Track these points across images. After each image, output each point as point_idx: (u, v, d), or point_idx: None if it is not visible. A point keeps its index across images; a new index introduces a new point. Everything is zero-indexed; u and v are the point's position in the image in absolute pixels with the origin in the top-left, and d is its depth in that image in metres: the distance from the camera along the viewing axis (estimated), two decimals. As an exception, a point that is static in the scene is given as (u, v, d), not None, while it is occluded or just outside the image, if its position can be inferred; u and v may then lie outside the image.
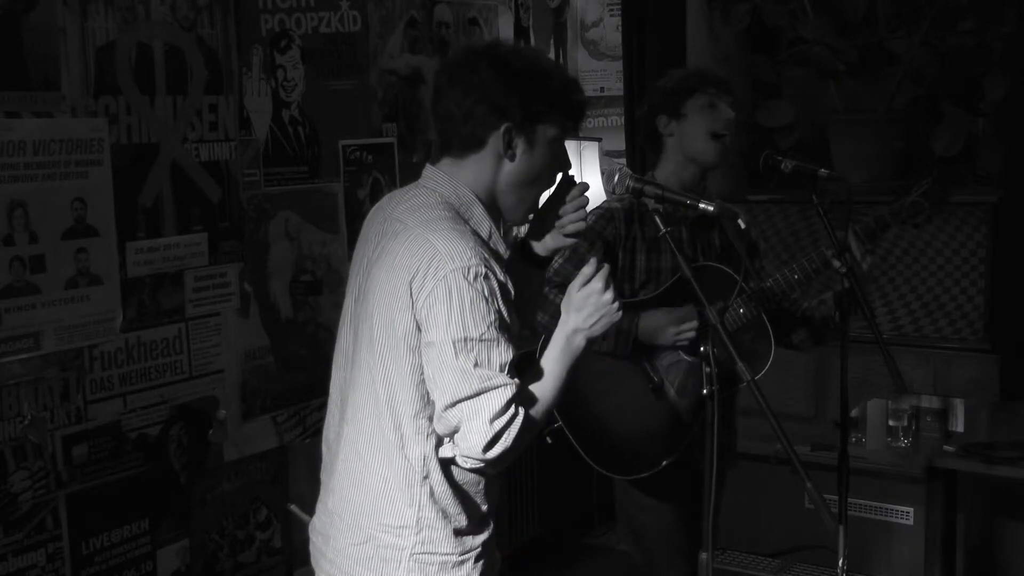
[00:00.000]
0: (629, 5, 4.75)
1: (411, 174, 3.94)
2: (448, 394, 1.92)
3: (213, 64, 3.30)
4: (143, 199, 3.13)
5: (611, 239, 2.86)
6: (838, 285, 2.79)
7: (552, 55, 4.76)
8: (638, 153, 4.77)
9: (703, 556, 2.24)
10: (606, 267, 2.05)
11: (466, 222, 2.04)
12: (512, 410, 1.92)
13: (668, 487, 2.97)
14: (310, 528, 2.22)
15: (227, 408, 3.39)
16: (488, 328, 1.92)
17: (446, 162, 2.10)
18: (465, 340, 1.90)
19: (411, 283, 1.95)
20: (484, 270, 1.93)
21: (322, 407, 3.69)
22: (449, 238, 1.95)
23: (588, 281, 2.03)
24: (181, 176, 3.23)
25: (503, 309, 1.96)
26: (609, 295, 2.02)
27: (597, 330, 2.03)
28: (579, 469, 2.98)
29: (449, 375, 1.91)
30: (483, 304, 1.92)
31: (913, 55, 4.64)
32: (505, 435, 1.91)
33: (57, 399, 2.94)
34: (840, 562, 2.72)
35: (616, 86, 4.84)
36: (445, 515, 2.05)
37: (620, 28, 4.78)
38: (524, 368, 2.03)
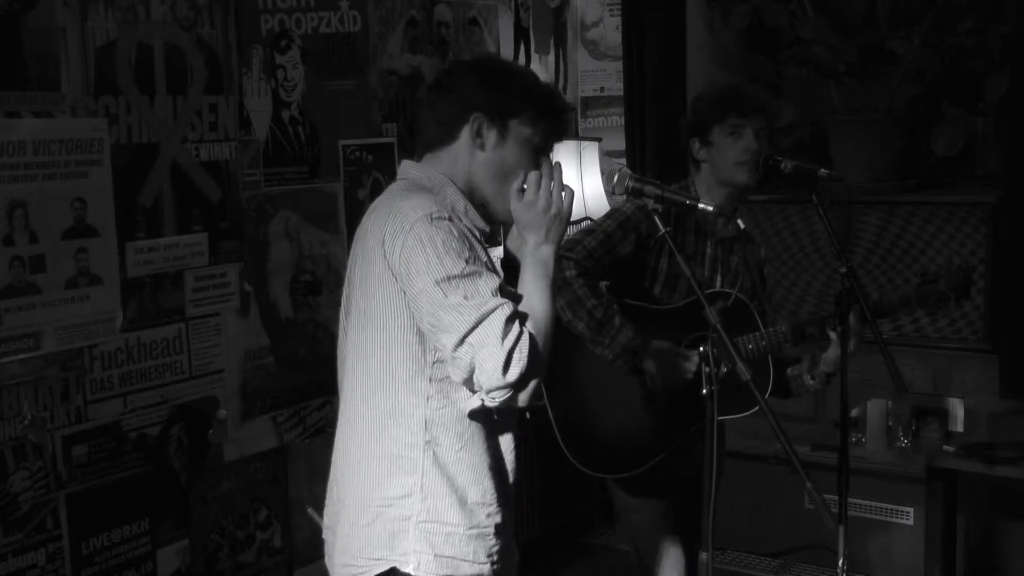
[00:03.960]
0: (629, 5, 4.75)
1: (411, 174, 3.94)
2: (452, 333, 1.93)
3: (213, 64, 3.30)
4: (143, 199, 3.13)
5: (645, 234, 2.89)
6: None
7: (552, 55, 4.76)
8: (638, 153, 4.78)
9: (703, 556, 2.24)
10: (533, 175, 2.09)
11: (441, 199, 2.09)
12: (516, 327, 1.93)
13: (650, 490, 2.98)
14: (324, 528, 2.24)
15: (227, 408, 3.39)
16: (466, 263, 1.96)
17: (424, 157, 2.18)
18: (448, 279, 1.94)
19: (383, 244, 2.00)
20: (447, 215, 2.00)
21: (322, 407, 3.69)
22: (411, 197, 2.04)
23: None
24: (181, 176, 3.23)
25: (476, 245, 2.01)
26: (543, 204, 2.07)
27: (555, 238, 2.09)
28: (579, 469, 2.97)
29: (446, 315, 1.94)
30: (455, 243, 1.97)
31: (913, 55, 4.64)
32: (518, 351, 1.91)
33: (57, 399, 2.94)
34: (840, 562, 2.72)
35: (616, 86, 4.84)
36: (451, 484, 2.05)
37: (620, 28, 4.78)
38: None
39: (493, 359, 1.91)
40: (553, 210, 2.07)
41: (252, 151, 3.45)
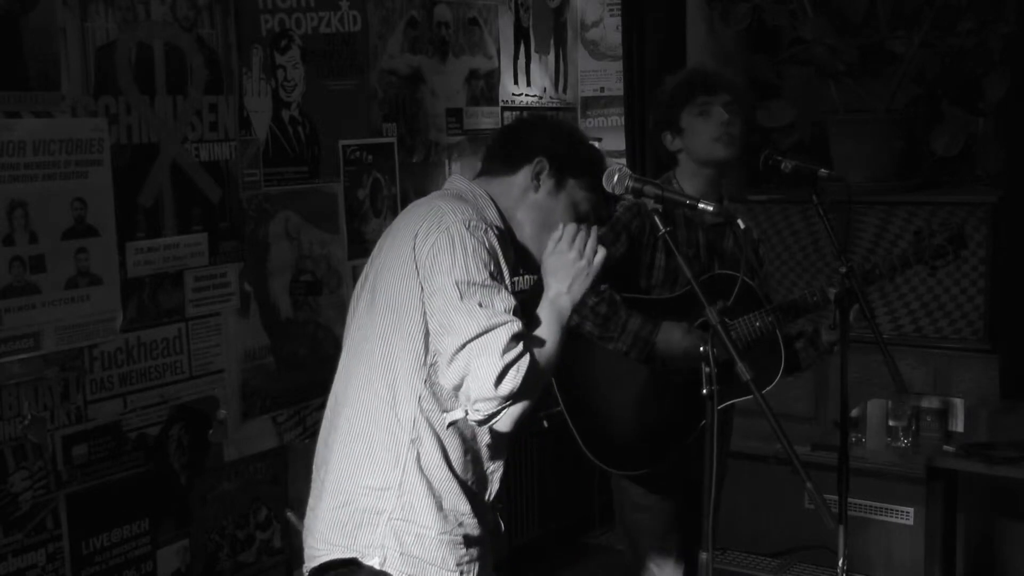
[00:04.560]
0: (629, 5, 4.75)
1: (411, 174, 3.96)
2: (457, 335, 1.95)
3: (213, 64, 3.30)
4: (143, 199, 3.13)
5: (636, 233, 2.89)
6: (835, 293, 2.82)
7: (552, 55, 4.76)
8: (638, 153, 4.77)
9: (703, 556, 2.24)
10: (572, 226, 2.13)
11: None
12: (520, 346, 1.95)
13: (664, 489, 2.97)
14: (305, 518, 2.23)
15: (227, 408, 3.39)
16: (490, 275, 1.99)
17: (477, 180, 2.23)
18: (469, 283, 1.97)
19: (415, 238, 2.03)
20: (484, 226, 2.04)
21: (322, 407, 3.68)
22: (454, 202, 2.08)
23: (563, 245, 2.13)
24: (181, 176, 3.23)
25: (503, 264, 2.04)
26: (573, 255, 2.09)
27: (577, 292, 2.10)
28: (579, 469, 2.98)
29: (456, 316, 1.95)
30: (484, 253, 2.00)
31: (913, 55, 4.64)
32: (515, 368, 1.93)
33: (57, 399, 2.94)
34: (840, 562, 2.72)
35: (616, 86, 4.84)
36: (430, 486, 2.05)
37: (620, 28, 4.78)
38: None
39: (489, 368, 1.92)
40: (582, 263, 2.10)
41: (252, 151, 3.45)
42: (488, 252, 2.01)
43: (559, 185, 2.18)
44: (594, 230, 2.15)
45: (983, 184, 4.80)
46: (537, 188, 2.18)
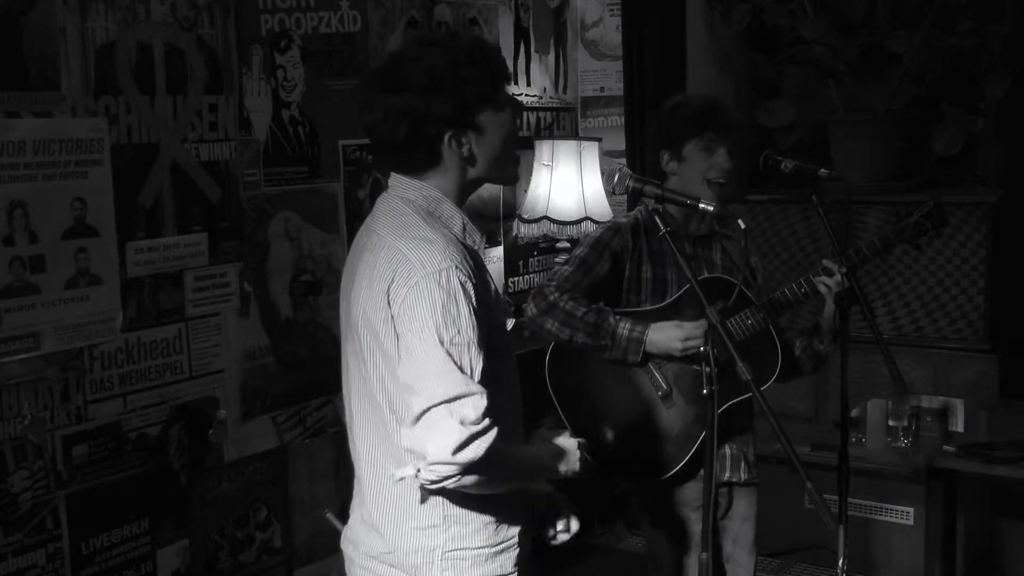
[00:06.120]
0: (629, 5, 4.76)
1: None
2: (425, 397, 1.90)
3: (213, 64, 3.30)
4: (143, 199, 3.13)
5: (618, 250, 2.90)
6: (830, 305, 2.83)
7: (552, 55, 4.76)
8: (638, 153, 4.78)
9: (703, 556, 2.24)
10: (580, 442, 2.18)
11: (437, 219, 2.06)
12: (488, 422, 1.91)
13: (687, 496, 2.95)
14: (342, 538, 2.23)
15: (227, 408, 3.39)
16: (460, 332, 1.93)
17: (411, 177, 2.13)
18: (440, 342, 1.91)
19: (388, 291, 1.97)
20: (455, 270, 1.96)
21: (322, 407, 3.68)
22: (419, 246, 1.98)
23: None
24: (181, 176, 3.23)
25: (475, 311, 1.97)
26: (574, 449, 2.16)
27: (569, 473, 2.18)
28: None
29: (426, 379, 1.91)
30: (454, 307, 1.94)
31: (913, 55, 4.64)
32: (479, 441, 1.89)
33: (57, 399, 2.94)
34: (840, 562, 2.72)
35: (616, 86, 4.84)
36: (472, 509, 2.05)
37: (620, 28, 4.78)
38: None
39: (452, 434, 1.87)
40: (577, 456, 2.17)
41: (252, 151, 3.45)
42: (457, 304, 1.94)
43: (479, 131, 2.05)
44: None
45: (983, 184, 4.81)
46: (469, 152, 2.06)
